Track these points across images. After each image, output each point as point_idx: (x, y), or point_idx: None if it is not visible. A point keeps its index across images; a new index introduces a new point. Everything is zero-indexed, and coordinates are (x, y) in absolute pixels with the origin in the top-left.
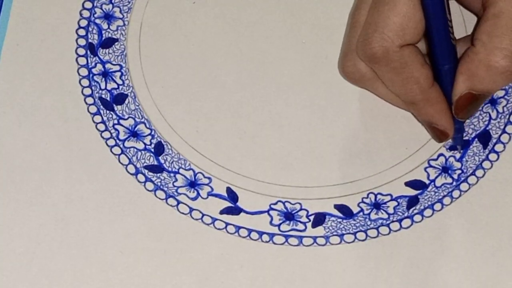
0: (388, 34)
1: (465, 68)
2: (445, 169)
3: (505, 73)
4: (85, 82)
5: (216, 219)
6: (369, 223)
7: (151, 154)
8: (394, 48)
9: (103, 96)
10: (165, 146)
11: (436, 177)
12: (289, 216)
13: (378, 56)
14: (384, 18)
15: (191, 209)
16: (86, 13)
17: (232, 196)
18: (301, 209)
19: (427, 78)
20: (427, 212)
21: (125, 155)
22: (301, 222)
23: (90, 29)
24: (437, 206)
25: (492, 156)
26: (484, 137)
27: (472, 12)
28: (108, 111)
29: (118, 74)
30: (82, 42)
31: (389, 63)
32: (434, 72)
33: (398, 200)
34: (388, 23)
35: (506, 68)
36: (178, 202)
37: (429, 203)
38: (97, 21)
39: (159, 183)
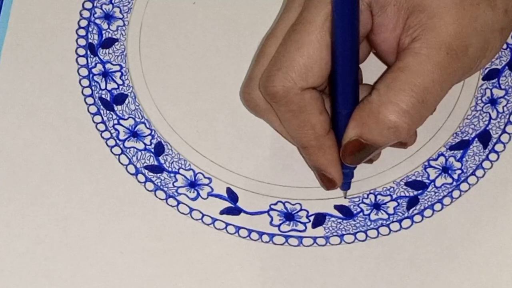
0: (291, 75)
1: (357, 115)
2: (445, 169)
3: (392, 128)
4: (85, 82)
5: (216, 219)
6: (369, 223)
7: (151, 154)
8: (296, 90)
9: (103, 96)
10: (165, 146)
11: (436, 177)
12: (289, 216)
13: (278, 95)
14: (290, 58)
15: (191, 209)
16: (86, 13)
17: (232, 196)
18: (301, 210)
19: (323, 125)
20: (427, 212)
21: (125, 155)
22: (301, 222)
23: (90, 29)
24: (437, 206)
25: (492, 156)
26: (484, 137)
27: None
28: (108, 111)
29: (118, 74)
30: (82, 42)
31: (288, 104)
32: (333, 114)
33: (398, 200)
34: (293, 64)
35: (394, 124)
36: (178, 202)
37: (429, 203)
38: (97, 21)
39: (159, 183)
